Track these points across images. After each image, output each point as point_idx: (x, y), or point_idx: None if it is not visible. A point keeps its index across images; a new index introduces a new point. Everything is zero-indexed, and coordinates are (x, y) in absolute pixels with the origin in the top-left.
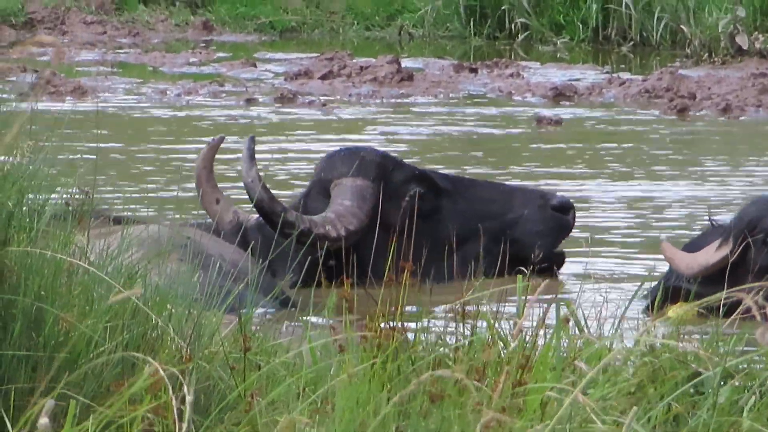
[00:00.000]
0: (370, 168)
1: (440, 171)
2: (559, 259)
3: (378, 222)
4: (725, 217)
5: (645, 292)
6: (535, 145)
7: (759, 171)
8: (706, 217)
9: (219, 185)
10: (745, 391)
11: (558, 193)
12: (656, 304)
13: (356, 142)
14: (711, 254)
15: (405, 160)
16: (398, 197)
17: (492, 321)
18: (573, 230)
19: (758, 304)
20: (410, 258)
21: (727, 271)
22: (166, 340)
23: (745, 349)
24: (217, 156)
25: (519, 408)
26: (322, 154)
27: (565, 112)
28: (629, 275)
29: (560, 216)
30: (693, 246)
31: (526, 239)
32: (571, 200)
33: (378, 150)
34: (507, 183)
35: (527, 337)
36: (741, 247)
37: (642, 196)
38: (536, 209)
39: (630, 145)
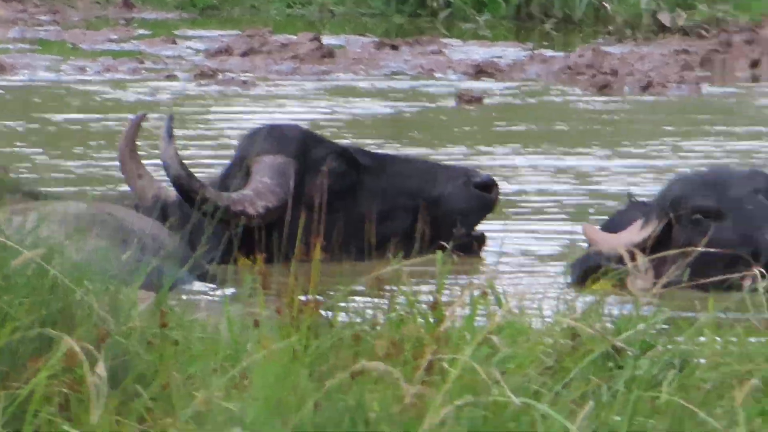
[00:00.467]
0: (291, 145)
1: (363, 148)
2: (481, 239)
3: (300, 199)
4: (645, 192)
5: (567, 269)
6: (456, 122)
7: (683, 146)
8: (627, 194)
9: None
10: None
11: (481, 171)
12: (578, 279)
13: (277, 120)
14: (635, 233)
15: (327, 137)
16: (320, 174)
17: (411, 297)
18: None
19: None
20: (333, 234)
21: (649, 250)
22: (83, 316)
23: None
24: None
25: (437, 383)
26: (243, 132)
27: (486, 88)
28: (552, 253)
29: (483, 194)
30: (613, 223)
31: (449, 216)
32: (493, 177)
33: (299, 126)
34: (430, 160)
35: (446, 313)
36: (665, 226)
37: (565, 170)
38: (459, 186)
39: (552, 120)
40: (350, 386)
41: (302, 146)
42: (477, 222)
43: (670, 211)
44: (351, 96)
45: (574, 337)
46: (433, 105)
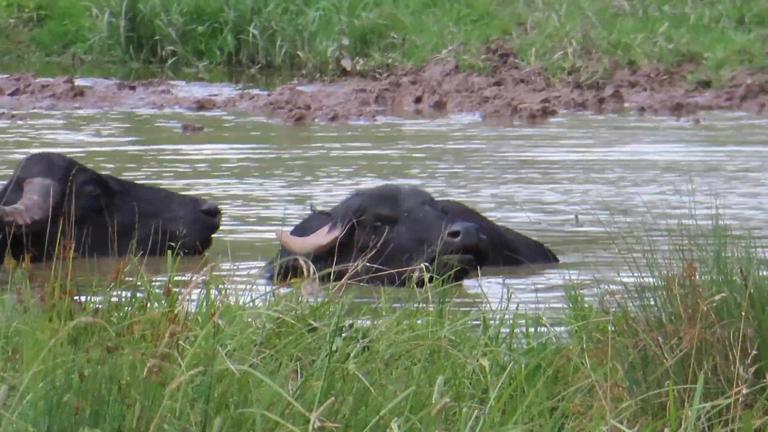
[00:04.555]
0: (57, 170)
1: (114, 176)
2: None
3: (62, 213)
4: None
5: (270, 268)
6: (184, 153)
7: (372, 165)
8: (309, 205)
9: None
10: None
11: (208, 200)
12: (278, 276)
13: (43, 148)
14: (322, 237)
15: (86, 165)
16: (79, 195)
17: (149, 287)
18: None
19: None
20: (83, 240)
21: (336, 250)
22: None
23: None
24: None
25: (175, 357)
26: (16, 159)
27: (206, 120)
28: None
29: (208, 218)
30: (300, 229)
31: (180, 233)
32: (217, 205)
33: (65, 156)
34: (167, 188)
35: (179, 300)
36: (348, 231)
37: (266, 188)
38: (189, 211)
39: (260, 145)
40: (105, 359)
41: (66, 172)
42: (204, 238)
43: (353, 219)
44: (100, 127)
45: (279, 321)
46: (162, 134)
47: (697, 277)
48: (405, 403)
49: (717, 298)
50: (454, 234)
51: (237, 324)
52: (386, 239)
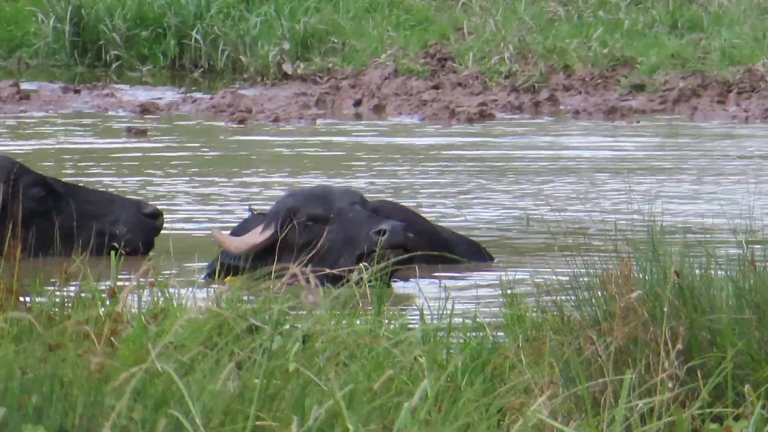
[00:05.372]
0: (2, 172)
1: (58, 179)
2: None
3: (7, 214)
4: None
5: (210, 267)
6: (127, 155)
7: (303, 165)
8: (248, 207)
9: None
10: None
11: (150, 204)
12: (216, 275)
13: None
14: (257, 236)
15: (31, 167)
16: (24, 197)
17: (93, 286)
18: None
19: (302, 273)
20: (29, 241)
21: (277, 249)
22: None
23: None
24: None
25: (115, 352)
26: None
27: (150, 124)
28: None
29: (150, 221)
30: (238, 229)
31: (123, 235)
32: (160, 208)
33: (10, 158)
34: (111, 192)
35: (121, 298)
36: (285, 230)
37: (208, 189)
38: (132, 214)
39: (204, 149)
40: (48, 357)
41: (10, 174)
42: (147, 240)
43: (288, 219)
44: (44, 131)
45: (220, 318)
46: (107, 137)
47: (634, 275)
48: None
49: (633, 296)
50: (380, 232)
51: (175, 322)
52: (317, 238)
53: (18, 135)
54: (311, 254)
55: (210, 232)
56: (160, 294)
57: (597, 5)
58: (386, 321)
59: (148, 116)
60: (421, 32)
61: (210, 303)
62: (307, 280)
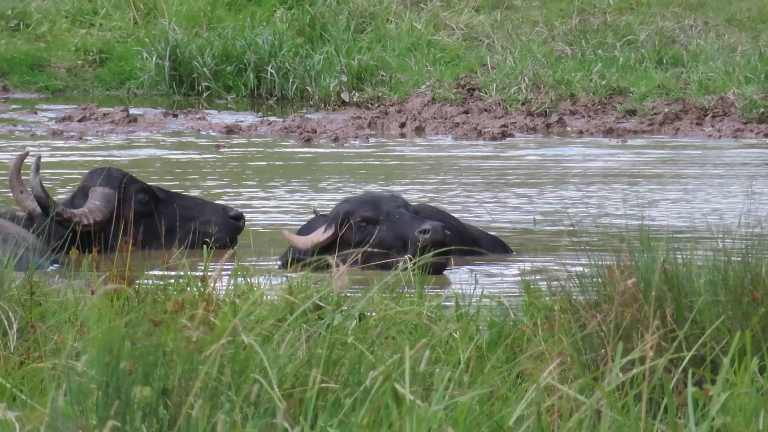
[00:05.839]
0: (114, 181)
1: (160, 187)
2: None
3: (119, 215)
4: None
5: (282, 258)
6: (216, 167)
7: (354, 182)
8: (313, 210)
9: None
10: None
11: (234, 207)
12: (288, 265)
13: (103, 163)
14: (320, 235)
15: (138, 176)
16: (131, 201)
17: (188, 274)
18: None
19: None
20: (138, 238)
21: (337, 246)
22: None
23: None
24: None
25: (208, 327)
26: (83, 170)
27: (235, 142)
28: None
29: (234, 222)
30: (305, 229)
31: (212, 233)
32: (242, 211)
33: (120, 170)
34: (201, 197)
35: (211, 284)
36: (343, 230)
37: (296, 199)
38: (220, 216)
39: (278, 162)
40: (153, 331)
41: (120, 182)
42: (231, 237)
43: (345, 220)
44: (150, 147)
45: (289, 301)
46: (200, 152)
47: (629, 265)
48: (393, 366)
49: (629, 282)
50: (424, 231)
51: (256, 303)
52: (370, 236)
53: (127, 150)
54: (365, 249)
55: (282, 231)
56: (243, 280)
57: (596, 45)
58: (427, 302)
59: (232, 135)
60: (454, 67)
61: (283, 288)
62: (338, 267)
